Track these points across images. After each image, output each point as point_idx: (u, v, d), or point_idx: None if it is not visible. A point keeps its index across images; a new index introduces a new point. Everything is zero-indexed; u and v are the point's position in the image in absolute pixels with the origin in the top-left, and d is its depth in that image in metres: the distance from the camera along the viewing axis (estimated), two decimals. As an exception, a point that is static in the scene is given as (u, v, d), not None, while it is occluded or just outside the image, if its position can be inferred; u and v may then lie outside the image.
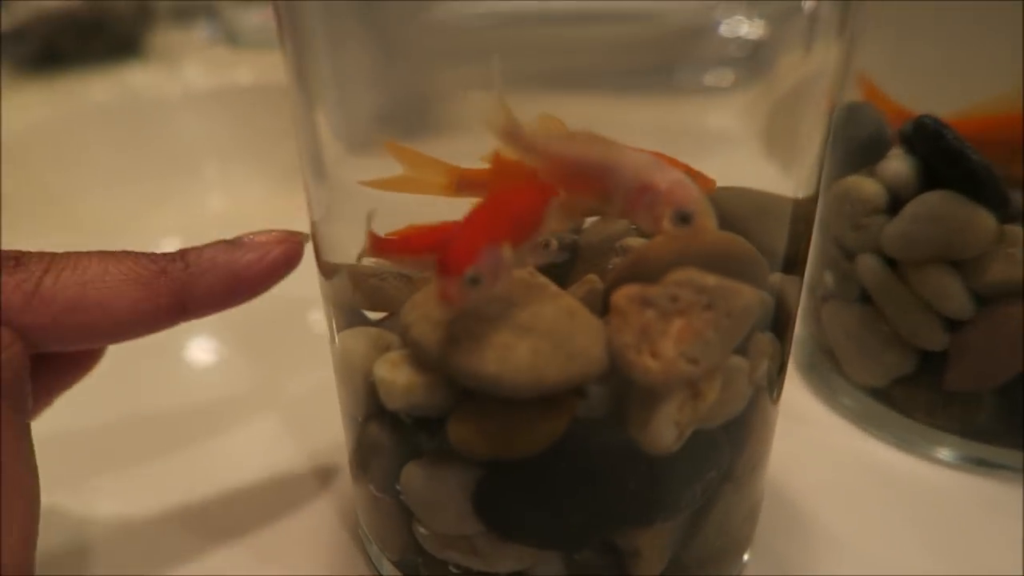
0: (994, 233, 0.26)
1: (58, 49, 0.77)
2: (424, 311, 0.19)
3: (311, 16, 0.19)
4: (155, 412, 0.33)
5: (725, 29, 0.17)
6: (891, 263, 0.29)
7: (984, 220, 0.26)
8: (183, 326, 0.22)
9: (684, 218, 0.17)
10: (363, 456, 0.23)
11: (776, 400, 0.23)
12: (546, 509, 0.20)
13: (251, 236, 0.23)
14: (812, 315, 0.33)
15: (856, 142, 0.30)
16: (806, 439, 0.31)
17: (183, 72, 0.75)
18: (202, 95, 0.71)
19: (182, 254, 0.22)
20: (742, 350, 0.20)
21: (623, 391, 0.19)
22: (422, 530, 0.21)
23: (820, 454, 0.30)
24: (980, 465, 0.29)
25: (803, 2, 0.18)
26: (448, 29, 0.18)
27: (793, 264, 0.21)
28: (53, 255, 0.21)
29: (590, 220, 0.23)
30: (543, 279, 0.20)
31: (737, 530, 0.23)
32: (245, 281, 0.22)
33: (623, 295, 0.18)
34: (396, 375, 0.19)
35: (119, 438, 0.32)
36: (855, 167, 0.30)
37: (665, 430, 0.19)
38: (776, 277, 0.21)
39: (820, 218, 0.32)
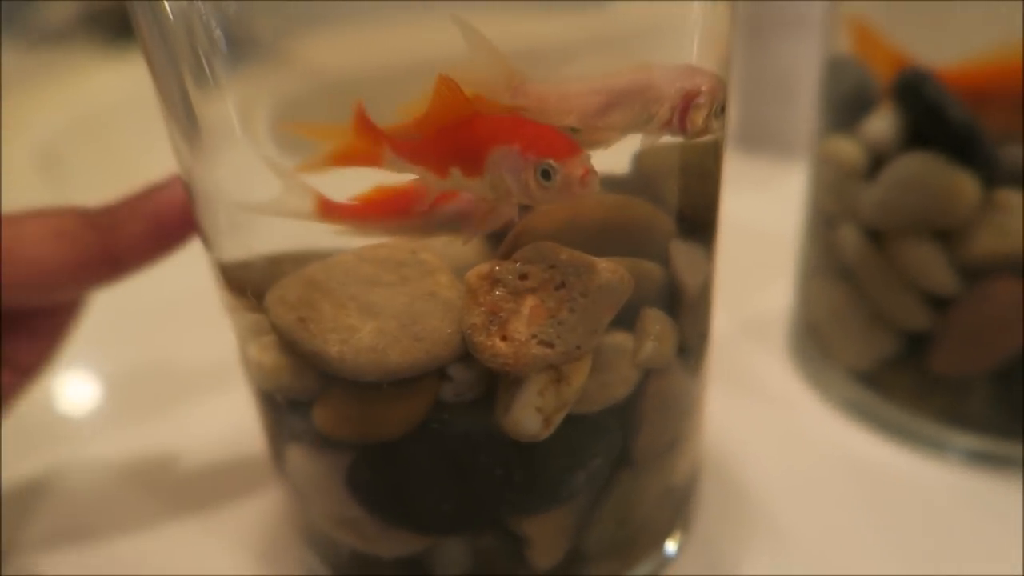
0: (978, 199, 0.23)
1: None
2: (281, 293, 0.18)
3: None
4: (136, 375, 0.35)
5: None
6: (876, 235, 0.26)
7: (966, 185, 0.23)
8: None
9: (723, 109, 0.17)
10: (266, 436, 0.23)
11: (699, 377, 0.22)
12: (415, 493, 0.19)
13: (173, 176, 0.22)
14: (801, 291, 0.31)
15: (838, 98, 0.27)
16: (783, 424, 0.28)
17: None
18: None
19: (109, 207, 0.22)
20: (629, 327, 0.18)
21: (492, 375, 0.18)
22: (313, 510, 0.21)
23: (796, 442, 0.28)
24: (972, 458, 0.26)
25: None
26: None
27: (693, 227, 0.19)
28: None
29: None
30: (427, 256, 0.19)
31: (647, 519, 0.22)
32: (166, 224, 0.22)
33: (474, 273, 0.17)
34: (264, 357, 0.19)
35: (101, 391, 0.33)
36: (840, 127, 0.27)
37: (525, 417, 0.17)
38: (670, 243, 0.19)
39: (809, 184, 0.29)
